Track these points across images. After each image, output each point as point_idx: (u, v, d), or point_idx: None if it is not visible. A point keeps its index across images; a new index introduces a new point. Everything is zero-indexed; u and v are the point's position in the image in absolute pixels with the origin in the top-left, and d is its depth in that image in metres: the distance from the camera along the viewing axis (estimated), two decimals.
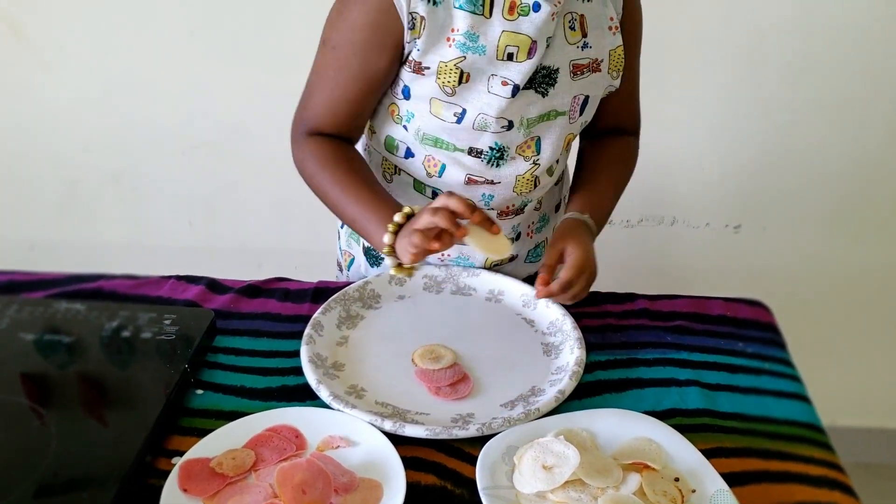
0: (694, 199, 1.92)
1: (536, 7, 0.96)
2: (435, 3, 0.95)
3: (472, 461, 0.84)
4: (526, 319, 1.08)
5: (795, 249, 1.97)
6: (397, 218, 0.95)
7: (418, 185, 1.13)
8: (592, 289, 1.16)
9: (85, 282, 1.15)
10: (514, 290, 1.12)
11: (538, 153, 1.07)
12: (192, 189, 1.97)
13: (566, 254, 1.01)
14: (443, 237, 0.91)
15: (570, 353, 0.99)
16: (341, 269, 1.32)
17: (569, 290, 0.99)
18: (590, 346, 1.02)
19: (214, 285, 1.15)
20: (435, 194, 1.12)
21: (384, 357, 1.01)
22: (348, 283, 1.12)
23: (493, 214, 1.13)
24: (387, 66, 1.00)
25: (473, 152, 1.06)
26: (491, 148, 1.05)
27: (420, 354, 1.00)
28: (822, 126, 1.79)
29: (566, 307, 1.07)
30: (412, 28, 0.96)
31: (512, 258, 1.20)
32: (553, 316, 1.07)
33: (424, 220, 0.90)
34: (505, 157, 1.06)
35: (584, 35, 1.02)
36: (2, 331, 0.99)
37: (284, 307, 1.11)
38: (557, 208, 1.24)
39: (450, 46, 0.96)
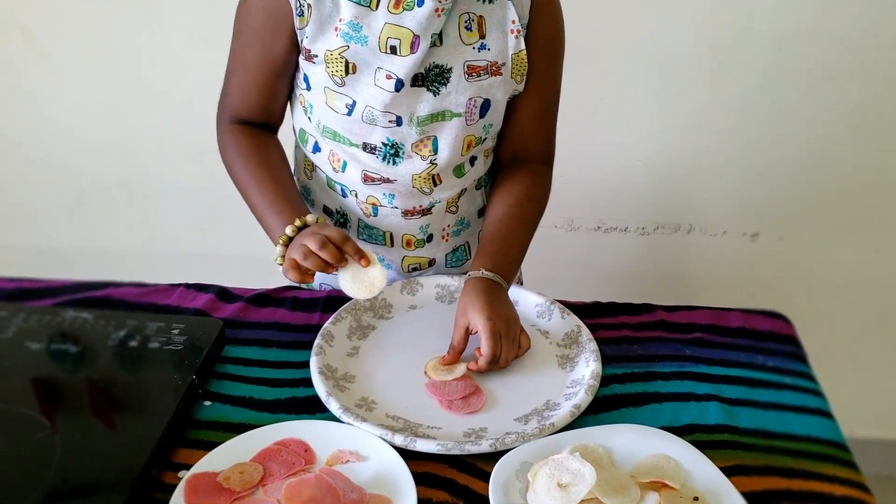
0: (711, 207, 1.89)
1: (420, 2, 0.96)
2: None
3: (485, 477, 0.82)
4: (540, 330, 1.06)
5: (813, 257, 1.94)
6: (288, 231, 0.99)
7: (329, 182, 1.14)
8: (609, 299, 1.15)
9: (93, 289, 1.13)
10: (529, 300, 1.10)
11: (435, 153, 1.06)
12: (203, 195, 1.95)
13: (472, 328, 0.98)
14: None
15: (586, 365, 0.97)
16: None
17: (500, 360, 0.96)
18: (606, 359, 0.99)
19: (224, 294, 1.13)
20: (343, 191, 1.13)
21: (395, 368, 0.99)
22: None
23: (397, 214, 1.12)
24: (284, 50, 1.03)
25: (368, 148, 1.06)
26: (384, 144, 1.05)
27: (433, 366, 0.98)
28: (841, 133, 1.76)
29: (581, 318, 1.05)
30: (301, 15, 0.98)
31: (431, 262, 1.19)
32: (568, 327, 1.04)
33: (297, 251, 0.94)
34: (400, 154, 1.06)
35: (482, 36, 1.01)
36: (8, 339, 0.98)
37: (294, 316, 1.09)
38: (480, 213, 1.21)
39: (336, 36, 0.98)
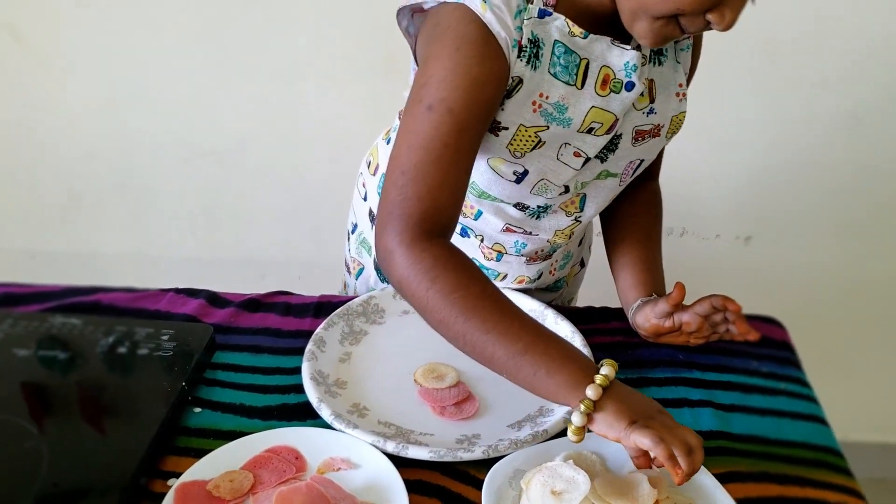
0: (704, 210, 1.89)
1: (630, 86, 0.90)
2: (534, 67, 0.87)
3: (478, 484, 0.81)
4: None
5: (807, 261, 1.94)
6: (591, 394, 0.76)
7: None
8: (603, 302, 1.15)
9: (82, 295, 1.12)
10: (523, 306, 1.08)
11: (581, 210, 1.04)
12: (195, 199, 1.95)
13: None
14: None
15: None
16: (349, 271, 1.28)
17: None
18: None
19: (214, 299, 1.12)
20: (464, 232, 1.08)
21: (388, 374, 0.98)
22: (351, 298, 1.09)
23: (521, 261, 1.10)
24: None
25: (520, 206, 1.02)
26: (539, 206, 1.02)
27: (422, 373, 0.97)
28: (835, 138, 1.76)
29: (575, 323, 1.04)
30: (510, 90, 0.88)
31: (526, 290, 1.16)
32: (563, 332, 1.04)
33: (680, 447, 0.73)
34: (548, 210, 1.03)
35: (652, 101, 0.96)
36: None
37: (286, 322, 1.08)
38: (580, 243, 1.21)
39: (535, 112, 0.89)
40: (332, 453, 0.85)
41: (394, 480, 0.82)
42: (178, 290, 1.13)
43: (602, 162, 0.98)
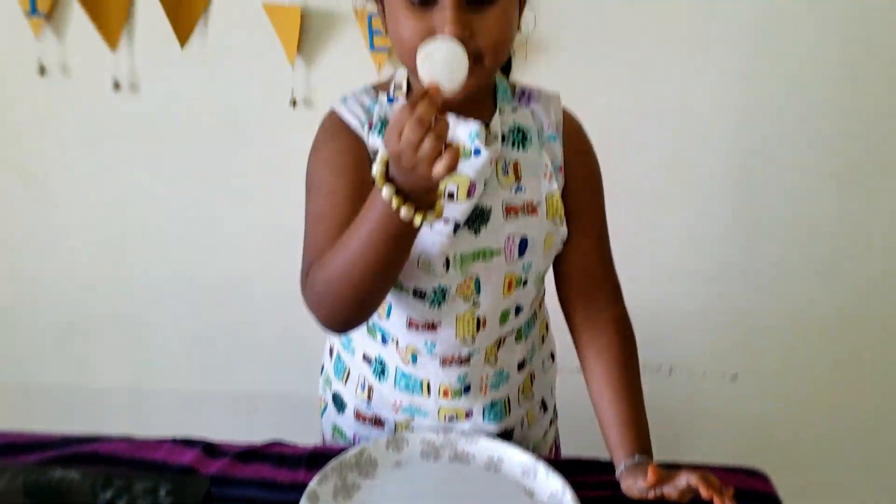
0: (691, 348, 1.94)
1: (477, 152, 1.03)
2: None
3: None
4: (526, 491, 1.07)
5: (792, 398, 1.97)
6: (375, 169, 0.87)
7: (370, 329, 1.16)
8: (594, 440, 1.15)
9: (81, 444, 1.14)
10: (515, 459, 1.11)
11: (478, 293, 1.10)
12: (190, 332, 1.98)
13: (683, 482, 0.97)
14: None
15: None
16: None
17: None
18: None
19: (211, 450, 1.14)
20: (384, 338, 1.15)
21: None
22: (343, 448, 1.11)
23: (436, 363, 1.14)
24: (369, 186, 0.96)
25: (417, 293, 1.09)
26: (434, 290, 1.08)
27: None
28: (811, 279, 1.83)
29: (567, 475, 1.06)
30: (371, 161, 1.04)
31: (468, 413, 1.19)
32: (553, 487, 1.05)
33: (409, 132, 0.80)
34: (446, 297, 1.09)
35: (518, 179, 1.08)
36: None
37: (279, 473, 1.10)
38: (521, 367, 1.22)
39: None
40: None
41: None
42: (175, 441, 1.15)
43: (476, 234, 1.06)
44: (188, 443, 1.15)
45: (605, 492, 1.08)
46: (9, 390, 2.02)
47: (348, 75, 1.55)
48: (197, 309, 1.96)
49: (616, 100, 1.73)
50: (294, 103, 1.71)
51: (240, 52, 1.71)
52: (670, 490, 0.98)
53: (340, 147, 1.06)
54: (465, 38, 0.91)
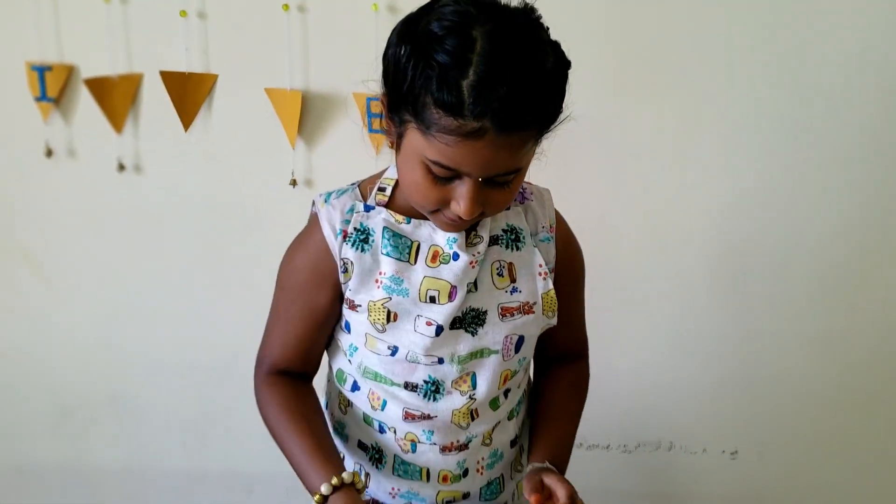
0: (690, 425, 1.93)
1: (455, 256, 1.05)
2: (363, 250, 1.06)
3: None
4: None
5: (793, 475, 1.96)
6: (324, 489, 1.01)
7: (367, 418, 1.16)
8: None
9: None
10: None
11: (474, 388, 1.10)
12: (186, 412, 1.98)
13: (546, 482, 1.02)
14: None
15: None
16: None
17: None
18: None
19: None
20: (381, 428, 1.15)
21: None
22: None
23: (436, 450, 1.14)
24: (327, 302, 1.10)
25: (409, 386, 1.10)
26: (426, 381, 1.09)
27: None
28: (809, 356, 1.84)
29: None
30: (345, 272, 1.06)
31: (466, 495, 1.19)
32: None
33: None
34: (441, 391, 1.10)
35: (513, 280, 1.10)
36: None
37: None
38: (513, 444, 1.23)
39: (378, 287, 1.06)
40: None
41: None
42: None
43: (473, 335, 1.07)
44: None
45: None
46: (3, 470, 2.00)
47: (347, 156, 1.59)
48: (193, 390, 1.96)
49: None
50: (294, 183, 1.74)
51: (242, 134, 1.75)
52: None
53: (310, 261, 1.09)
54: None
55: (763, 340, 1.84)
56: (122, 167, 1.77)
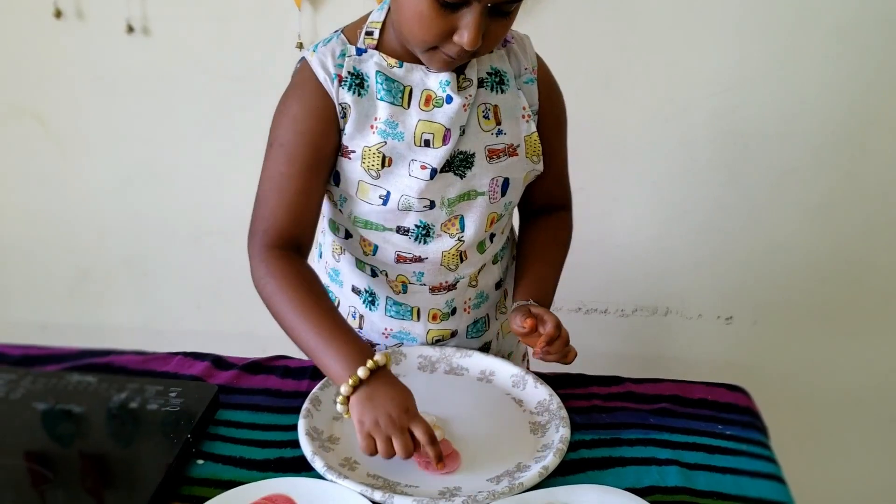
0: (687, 291, 1.98)
1: (449, 100, 1.06)
2: (360, 94, 1.06)
3: None
4: (515, 399, 1.13)
5: (786, 342, 2.02)
6: (361, 373, 0.98)
7: (359, 264, 1.21)
8: (581, 371, 1.22)
9: (96, 356, 1.21)
10: (504, 371, 1.17)
11: (462, 230, 1.15)
12: (201, 274, 2.04)
13: (534, 312, 1.07)
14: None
15: (556, 431, 1.04)
16: None
17: (564, 335, 1.06)
18: (575, 426, 1.06)
19: (219, 362, 1.21)
20: (373, 272, 1.20)
21: None
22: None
23: (425, 290, 1.20)
24: (333, 149, 1.09)
25: (401, 230, 1.14)
26: (416, 226, 1.13)
27: None
28: (805, 225, 1.87)
29: (555, 388, 1.12)
30: (343, 116, 1.07)
31: (454, 333, 1.25)
32: (541, 396, 1.11)
33: (382, 444, 0.95)
34: (431, 234, 1.14)
35: (499, 123, 1.12)
36: (18, 400, 1.05)
37: (284, 383, 1.17)
38: (497, 286, 1.29)
39: (373, 133, 1.07)
40: (324, 502, 0.92)
41: None
42: (185, 354, 1.22)
43: (462, 178, 1.11)
44: (198, 356, 1.22)
45: (584, 402, 1.14)
46: (26, 329, 2.09)
47: (353, 17, 1.59)
48: (208, 253, 2.02)
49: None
50: (300, 46, 1.75)
51: None
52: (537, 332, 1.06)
53: (310, 108, 1.07)
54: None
55: (760, 209, 1.86)
56: (130, 29, 1.78)
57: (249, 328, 2.09)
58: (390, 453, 0.95)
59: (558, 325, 1.05)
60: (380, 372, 0.99)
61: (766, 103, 1.77)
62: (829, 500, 1.95)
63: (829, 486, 1.95)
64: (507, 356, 1.34)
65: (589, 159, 1.81)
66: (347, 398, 0.98)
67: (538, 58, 1.17)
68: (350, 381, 0.97)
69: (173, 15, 1.78)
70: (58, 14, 1.77)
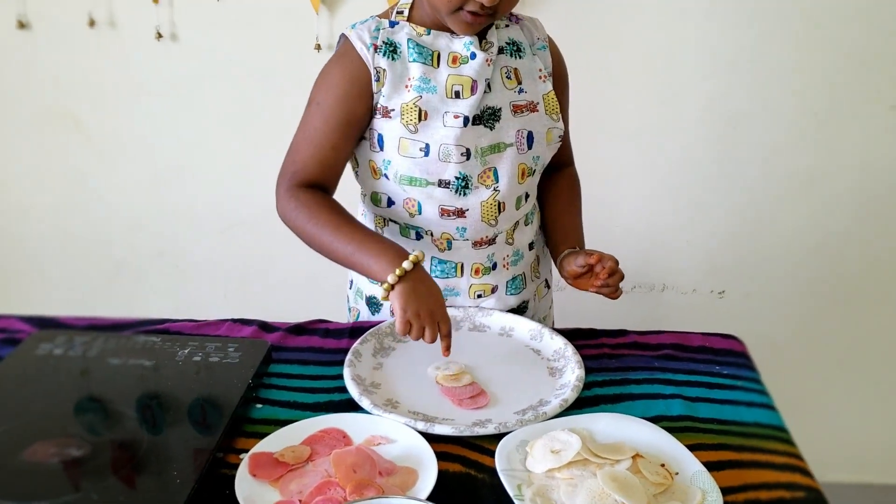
0: (682, 268, 2.12)
1: (473, 56, 1.24)
2: (393, 59, 1.24)
3: (492, 454, 1.00)
4: (533, 350, 1.27)
5: (778, 314, 2.15)
6: (406, 265, 1.15)
7: (404, 231, 1.35)
8: (590, 325, 1.35)
9: (153, 324, 1.33)
10: (523, 327, 1.31)
11: (497, 181, 1.29)
12: (227, 265, 2.17)
13: (590, 258, 1.25)
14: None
15: (572, 372, 1.17)
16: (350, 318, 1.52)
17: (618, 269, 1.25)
18: (588, 369, 1.19)
19: (265, 326, 1.33)
20: (418, 234, 1.34)
21: (414, 378, 1.19)
22: (380, 322, 1.31)
23: (468, 245, 1.34)
24: (364, 111, 1.25)
25: (442, 184, 1.27)
26: (456, 178, 1.27)
27: (442, 376, 1.18)
28: (791, 202, 2.01)
29: (568, 338, 1.25)
30: (377, 80, 1.24)
31: (494, 289, 1.38)
32: (557, 345, 1.25)
33: (415, 328, 1.15)
34: (469, 185, 1.28)
35: (520, 83, 1.29)
36: (94, 357, 1.18)
37: (326, 342, 1.29)
38: (531, 247, 1.43)
39: (408, 91, 1.24)
40: (373, 432, 1.05)
41: (424, 450, 1.01)
42: (234, 320, 1.35)
43: (491, 130, 1.27)
44: (245, 321, 1.35)
45: (594, 351, 1.27)
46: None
47: None
48: (234, 244, 2.15)
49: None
50: (318, 48, 1.89)
51: (269, 2, 1.89)
52: (598, 269, 1.26)
53: (347, 74, 1.25)
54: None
55: (749, 188, 2.00)
56: (159, 35, 1.91)
57: (273, 316, 2.21)
58: (420, 336, 1.14)
59: (617, 261, 1.23)
60: (417, 266, 1.17)
61: (751, 86, 1.91)
62: (829, 457, 2.08)
63: (828, 442, 2.08)
64: (542, 320, 1.48)
65: (588, 142, 1.96)
66: (393, 286, 1.14)
67: (548, 35, 1.36)
68: (396, 272, 1.14)
69: (199, 22, 1.91)
70: (91, 23, 1.91)
